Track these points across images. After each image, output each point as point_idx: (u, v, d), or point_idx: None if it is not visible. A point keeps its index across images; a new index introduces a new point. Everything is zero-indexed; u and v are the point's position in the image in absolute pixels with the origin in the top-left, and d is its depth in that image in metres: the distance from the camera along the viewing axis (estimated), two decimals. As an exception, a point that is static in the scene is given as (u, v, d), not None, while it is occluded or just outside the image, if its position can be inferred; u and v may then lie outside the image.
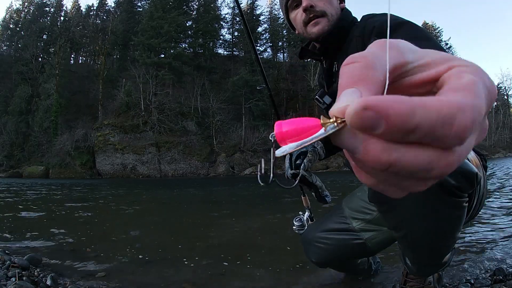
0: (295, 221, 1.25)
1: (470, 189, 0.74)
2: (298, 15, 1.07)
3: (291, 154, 1.15)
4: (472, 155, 0.84)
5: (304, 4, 1.02)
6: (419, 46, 0.80)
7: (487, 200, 4.03)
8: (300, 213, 1.28)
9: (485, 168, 0.93)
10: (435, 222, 0.78)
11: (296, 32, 1.15)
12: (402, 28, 0.83)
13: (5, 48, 34.38)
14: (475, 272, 1.44)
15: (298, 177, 1.09)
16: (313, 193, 1.19)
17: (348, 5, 1.12)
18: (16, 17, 35.03)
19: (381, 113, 0.16)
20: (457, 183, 0.70)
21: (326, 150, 1.23)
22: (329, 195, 1.17)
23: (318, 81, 1.29)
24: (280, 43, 35.71)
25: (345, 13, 1.09)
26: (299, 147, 0.22)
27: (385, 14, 0.97)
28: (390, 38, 0.88)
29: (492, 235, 2.19)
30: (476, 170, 0.72)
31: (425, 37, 0.80)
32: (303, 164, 1.11)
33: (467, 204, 0.77)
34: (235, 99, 27.80)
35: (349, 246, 1.17)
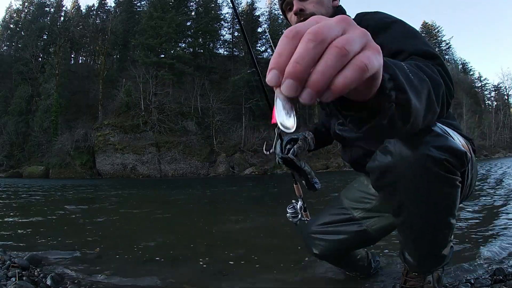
0: (288, 208, 1.29)
1: (460, 167, 0.79)
2: (292, 17, 1.13)
3: (281, 140, 1.24)
4: (462, 141, 0.89)
5: (294, 8, 1.09)
6: (409, 43, 0.84)
7: (488, 199, 4.02)
8: (293, 201, 1.31)
9: (474, 151, 1.00)
10: (431, 203, 0.83)
11: None
12: (393, 27, 0.89)
13: (5, 48, 34.35)
14: (475, 272, 1.44)
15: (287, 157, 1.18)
16: (303, 181, 1.23)
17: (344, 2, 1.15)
18: (16, 17, 34.99)
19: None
20: (448, 157, 0.76)
21: (316, 142, 1.33)
22: (318, 182, 1.21)
23: None
24: (280, 43, 35.68)
25: (338, 11, 1.11)
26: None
27: (377, 12, 1.00)
28: (383, 35, 0.88)
29: (492, 235, 2.19)
30: (464, 149, 0.78)
31: (414, 35, 0.86)
32: (292, 149, 1.19)
33: (460, 185, 0.82)
34: (235, 99, 27.78)
35: (351, 235, 1.21)
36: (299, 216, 1.29)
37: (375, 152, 0.90)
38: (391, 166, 0.81)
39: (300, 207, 1.29)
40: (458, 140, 0.85)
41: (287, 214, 1.29)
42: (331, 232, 1.24)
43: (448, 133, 0.81)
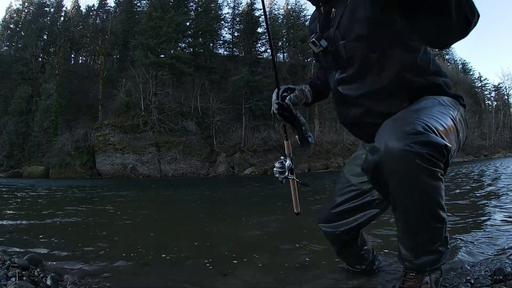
0: (276, 163, 1.29)
1: (442, 158, 0.87)
2: None
3: (279, 89, 1.25)
4: (447, 123, 0.95)
5: None
6: None
7: (487, 200, 4.03)
8: (282, 157, 1.30)
9: (464, 106, 1.13)
10: (417, 195, 0.89)
11: None
12: None
13: (5, 48, 34.31)
14: (475, 272, 1.44)
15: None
16: (296, 136, 1.23)
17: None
18: (16, 17, 34.95)
19: None
20: (429, 151, 0.84)
21: (313, 96, 1.36)
22: (311, 136, 1.23)
23: (309, 28, 1.33)
24: (280, 43, 35.71)
25: None
26: None
27: None
28: None
29: (492, 235, 2.19)
30: (444, 142, 0.86)
31: None
32: (289, 96, 1.22)
33: (442, 177, 0.90)
34: (235, 99, 27.75)
35: (366, 207, 1.28)
36: (286, 173, 1.28)
37: (376, 112, 1.00)
38: (379, 163, 0.88)
39: (289, 166, 1.28)
40: (442, 124, 0.93)
41: (274, 169, 1.29)
42: (348, 210, 1.30)
43: (430, 128, 0.87)
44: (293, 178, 1.29)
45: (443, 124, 0.94)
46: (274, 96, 1.26)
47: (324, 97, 1.45)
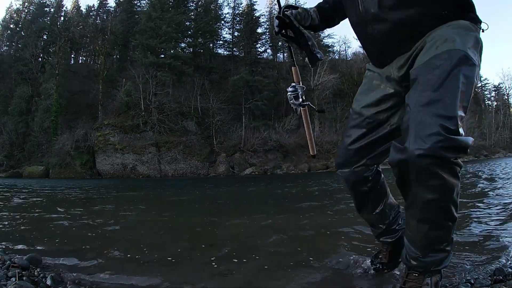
0: (289, 88, 1.24)
1: (465, 154, 0.92)
2: None
3: (280, 8, 1.22)
4: (470, 97, 0.96)
5: None
6: None
7: (487, 200, 4.02)
8: (293, 83, 1.24)
9: (482, 30, 1.06)
10: (441, 191, 0.93)
11: None
12: None
13: (5, 48, 34.31)
14: (475, 272, 1.44)
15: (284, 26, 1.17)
16: (306, 59, 1.19)
17: None
18: (16, 17, 34.94)
19: None
20: (456, 155, 0.89)
21: (321, 18, 1.28)
22: (320, 52, 1.17)
23: None
24: (280, 43, 35.68)
25: None
26: None
27: None
28: None
29: (492, 235, 2.19)
30: (469, 143, 0.89)
31: None
32: (290, 11, 1.18)
33: (460, 175, 0.94)
34: (235, 99, 27.76)
35: (385, 139, 1.20)
36: (300, 99, 1.20)
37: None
38: (408, 162, 0.91)
39: (302, 94, 1.21)
40: (465, 104, 0.93)
41: (288, 94, 1.22)
42: (366, 145, 1.20)
43: (458, 126, 0.88)
44: (308, 104, 1.22)
45: (466, 104, 0.94)
46: (276, 21, 1.20)
47: (334, 23, 1.35)
